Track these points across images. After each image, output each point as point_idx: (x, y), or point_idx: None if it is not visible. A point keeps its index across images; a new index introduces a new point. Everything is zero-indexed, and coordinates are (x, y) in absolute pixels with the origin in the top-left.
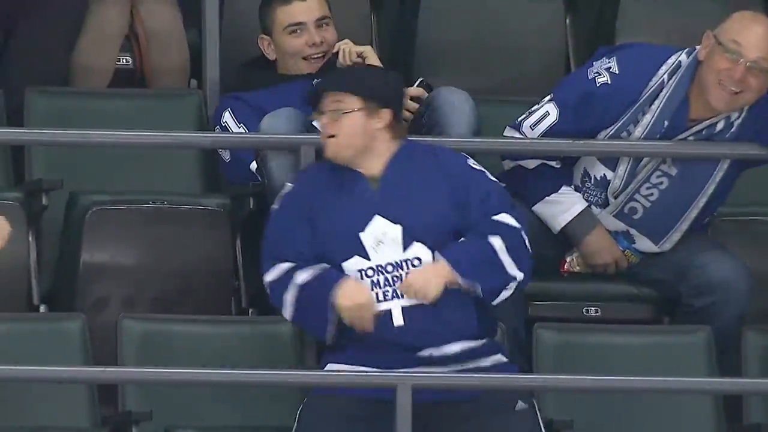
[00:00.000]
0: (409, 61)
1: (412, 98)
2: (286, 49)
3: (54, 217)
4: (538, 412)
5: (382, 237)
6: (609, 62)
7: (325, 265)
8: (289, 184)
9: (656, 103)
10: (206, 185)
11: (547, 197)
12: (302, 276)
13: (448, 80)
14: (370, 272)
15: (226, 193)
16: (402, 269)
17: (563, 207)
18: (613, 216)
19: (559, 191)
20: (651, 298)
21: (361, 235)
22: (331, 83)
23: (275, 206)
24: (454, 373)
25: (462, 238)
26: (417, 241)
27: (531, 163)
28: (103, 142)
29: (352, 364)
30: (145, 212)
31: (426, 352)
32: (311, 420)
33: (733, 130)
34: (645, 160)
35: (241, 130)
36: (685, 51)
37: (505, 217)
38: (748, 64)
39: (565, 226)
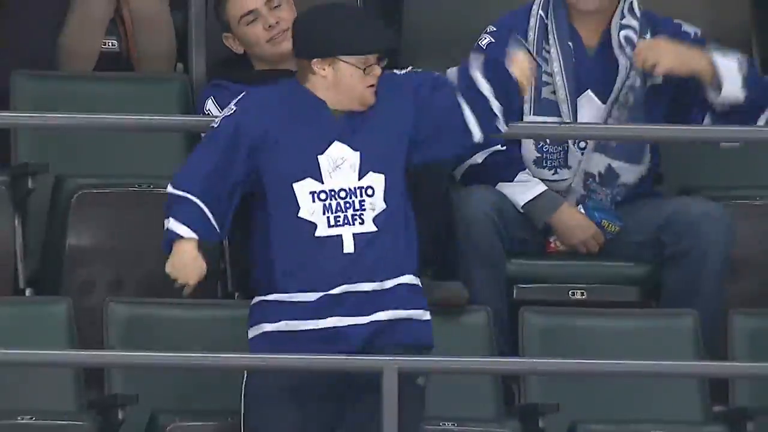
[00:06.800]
0: (396, 46)
1: None
2: (248, 39)
3: (40, 200)
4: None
5: (340, 162)
6: (488, 27)
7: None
8: (233, 107)
9: (550, 36)
10: None
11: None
12: (174, 226)
13: (435, 65)
14: (322, 195)
15: None
16: (355, 196)
17: (523, 188)
18: (594, 152)
19: (515, 179)
20: (638, 280)
21: (320, 157)
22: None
23: (214, 126)
24: (388, 319)
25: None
26: (372, 170)
27: (479, 157)
28: (90, 125)
29: (289, 319)
30: (131, 195)
31: (367, 286)
32: (259, 398)
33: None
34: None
35: None
36: None
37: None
38: None
39: (528, 208)
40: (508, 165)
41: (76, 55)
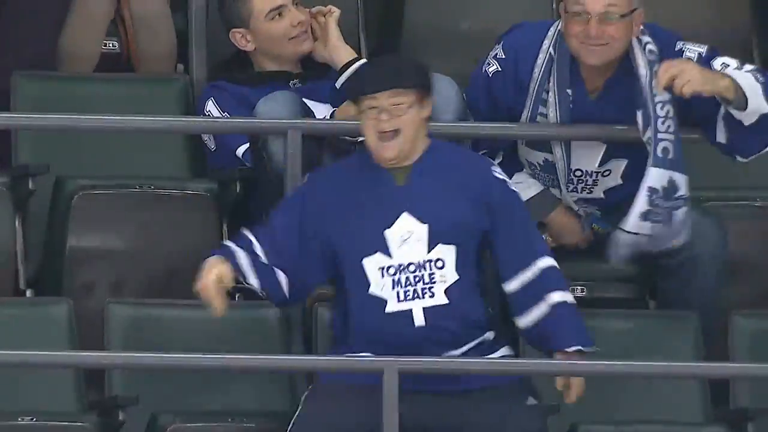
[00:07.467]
0: (396, 46)
1: None
2: (272, 34)
3: (41, 201)
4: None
5: (407, 236)
6: (496, 49)
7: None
8: (306, 177)
9: (551, 79)
10: (193, 170)
11: None
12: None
13: (435, 65)
14: (391, 270)
15: (212, 177)
16: (424, 269)
17: (519, 188)
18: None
19: (512, 178)
20: (637, 278)
21: (387, 232)
22: (390, 81)
23: (289, 196)
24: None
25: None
26: (442, 242)
27: None
28: (90, 126)
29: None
30: (131, 197)
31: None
32: (314, 407)
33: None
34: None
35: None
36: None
37: (549, 261)
38: (597, 18)
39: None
40: (505, 168)
41: (76, 56)
